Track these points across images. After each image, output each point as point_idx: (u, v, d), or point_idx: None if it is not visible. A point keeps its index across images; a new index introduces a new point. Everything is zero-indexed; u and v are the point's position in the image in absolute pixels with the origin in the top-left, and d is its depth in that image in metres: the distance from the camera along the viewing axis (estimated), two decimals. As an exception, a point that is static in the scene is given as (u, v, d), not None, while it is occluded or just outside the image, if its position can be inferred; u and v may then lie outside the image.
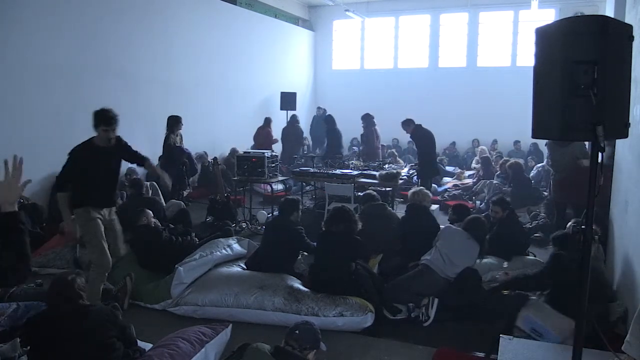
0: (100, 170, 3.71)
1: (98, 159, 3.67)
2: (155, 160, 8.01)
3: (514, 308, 3.31)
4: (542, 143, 9.88)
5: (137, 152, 4.07)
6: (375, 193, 5.72)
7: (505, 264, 4.55)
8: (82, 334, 2.51)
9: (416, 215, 4.85)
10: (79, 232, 5.01)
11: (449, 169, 10.68)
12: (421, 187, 5.51)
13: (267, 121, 10.26)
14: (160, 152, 7.61)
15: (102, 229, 3.73)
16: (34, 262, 4.82)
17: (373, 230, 4.63)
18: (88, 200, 3.68)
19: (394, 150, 10.92)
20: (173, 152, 7.33)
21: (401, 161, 9.89)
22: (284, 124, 10.81)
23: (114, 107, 8.36)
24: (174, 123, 7.21)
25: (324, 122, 9.58)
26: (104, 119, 3.58)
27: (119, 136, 3.81)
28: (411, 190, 5.26)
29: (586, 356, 2.03)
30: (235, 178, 7.19)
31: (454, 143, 12.31)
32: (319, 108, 11.85)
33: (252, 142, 10.59)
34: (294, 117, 10.61)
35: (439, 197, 8.19)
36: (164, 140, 7.22)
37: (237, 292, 3.84)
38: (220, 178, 7.23)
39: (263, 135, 10.08)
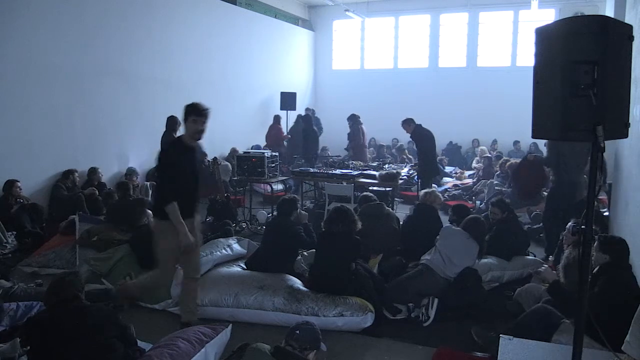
0: (187, 173, 3.38)
1: (186, 160, 3.37)
2: (155, 161, 8.03)
3: (545, 328, 2.97)
4: (542, 143, 9.89)
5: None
6: (371, 194, 5.73)
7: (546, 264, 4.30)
8: (82, 334, 2.51)
9: (423, 215, 4.85)
10: (74, 234, 5.05)
11: (448, 169, 10.69)
12: (434, 189, 5.50)
13: (277, 119, 10.42)
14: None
15: (176, 247, 3.36)
16: (34, 262, 4.83)
17: (372, 230, 4.63)
18: (185, 210, 3.32)
19: (402, 144, 10.95)
20: None
21: (410, 156, 9.94)
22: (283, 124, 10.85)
23: (113, 107, 8.39)
24: (174, 123, 7.20)
25: (302, 121, 9.59)
26: (196, 109, 3.33)
27: (200, 146, 3.58)
28: (424, 190, 5.26)
29: (586, 356, 2.03)
30: (235, 178, 7.19)
31: (450, 142, 12.30)
32: (307, 109, 11.80)
33: (252, 142, 10.62)
34: (300, 116, 10.65)
35: (439, 197, 8.19)
36: (166, 139, 7.16)
37: (237, 292, 3.84)
38: (221, 178, 7.23)
39: (274, 133, 10.11)
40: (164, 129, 7.23)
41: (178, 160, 3.32)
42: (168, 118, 7.22)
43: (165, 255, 3.40)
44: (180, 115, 7.17)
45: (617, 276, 2.94)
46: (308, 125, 9.32)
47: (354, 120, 9.35)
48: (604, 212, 5.80)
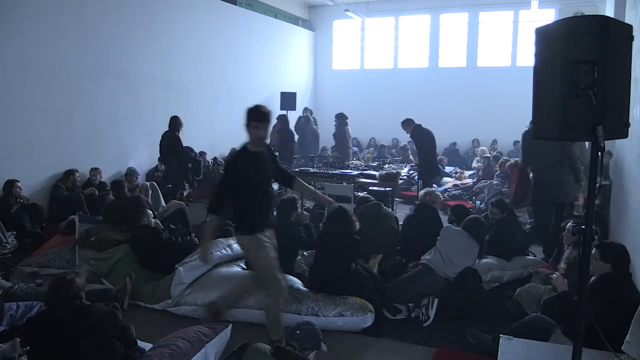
0: (259, 180, 3.16)
1: (255, 168, 3.13)
2: (155, 161, 8.05)
3: (539, 337, 2.89)
4: (542, 143, 9.88)
5: (284, 169, 3.59)
6: (369, 195, 5.73)
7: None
8: (82, 334, 2.51)
9: (423, 215, 4.85)
10: (74, 234, 5.05)
11: (448, 169, 10.69)
12: (433, 189, 5.49)
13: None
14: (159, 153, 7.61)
15: (272, 254, 3.18)
16: (34, 262, 4.82)
17: (370, 231, 4.63)
18: (255, 224, 3.15)
19: (406, 144, 10.97)
20: (184, 152, 7.38)
21: (412, 157, 9.94)
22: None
23: (113, 107, 8.37)
24: (177, 123, 7.20)
25: (278, 121, 9.40)
26: (254, 113, 3.12)
27: (268, 144, 3.35)
28: (423, 190, 5.26)
29: (586, 356, 2.03)
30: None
31: (454, 143, 12.30)
32: (305, 109, 11.73)
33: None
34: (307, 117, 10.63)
35: (439, 197, 8.19)
36: (173, 140, 7.15)
37: (237, 292, 3.83)
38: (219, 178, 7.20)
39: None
40: (166, 129, 7.26)
41: (243, 170, 3.10)
42: (171, 118, 7.23)
43: (264, 268, 3.17)
44: (183, 116, 7.27)
45: (621, 289, 2.84)
46: (284, 125, 9.23)
47: (340, 120, 9.32)
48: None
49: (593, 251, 3.01)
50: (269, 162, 3.24)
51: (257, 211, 3.18)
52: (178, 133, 7.17)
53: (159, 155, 7.63)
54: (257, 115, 3.09)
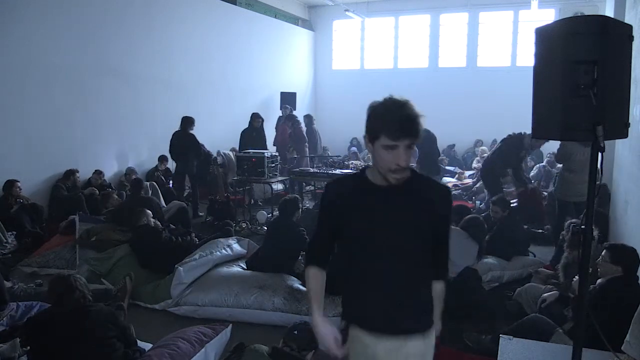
0: (378, 239, 1.68)
1: (373, 211, 1.67)
2: (155, 161, 8.03)
3: (539, 337, 2.83)
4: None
5: (444, 247, 1.80)
6: None
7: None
8: (82, 334, 2.51)
9: None
10: (74, 234, 5.04)
11: (449, 168, 10.69)
12: None
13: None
14: (159, 153, 7.60)
15: None
16: (34, 262, 4.82)
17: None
18: (356, 310, 1.84)
19: None
20: (201, 147, 7.41)
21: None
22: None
23: (113, 107, 8.36)
24: (188, 122, 7.19)
25: (251, 120, 9.03)
26: (388, 127, 1.58)
27: (416, 172, 1.73)
28: None
29: (586, 356, 2.03)
30: (235, 178, 7.18)
31: (453, 145, 12.29)
32: (285, 107, 11.52)
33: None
34: (308, 117, 10.62)
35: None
36: (188, 137, 7.14)
37: (237, 292, 3.84)
38: (220, 178, 7.22)
39: (280, 132, 10.09)
40: (167, 129, 7.27)
41: (343, 211, 1.72)
42: (182, 118, 7.22)
43: None
44: (178, 114, 7.25)
45: (630, 294, 2.75)
46: (249, 124, 9.04)
47: (303, 120, 9.63)
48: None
49: (603, 253, 2.98)
50: (412, 208, 1.65)
51: (363, 283, 1.83)
52: (191, 130, 7.17)
53: (170, 155, 7.52)
54: (390, 129, 1.56)
